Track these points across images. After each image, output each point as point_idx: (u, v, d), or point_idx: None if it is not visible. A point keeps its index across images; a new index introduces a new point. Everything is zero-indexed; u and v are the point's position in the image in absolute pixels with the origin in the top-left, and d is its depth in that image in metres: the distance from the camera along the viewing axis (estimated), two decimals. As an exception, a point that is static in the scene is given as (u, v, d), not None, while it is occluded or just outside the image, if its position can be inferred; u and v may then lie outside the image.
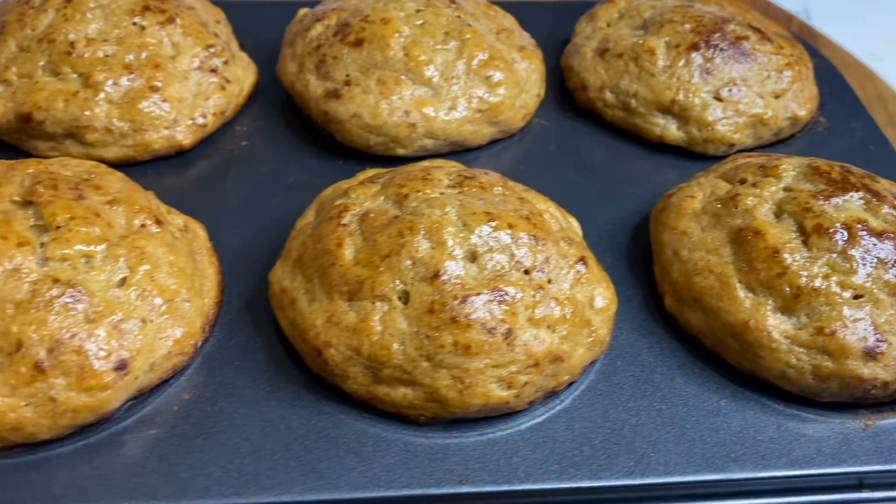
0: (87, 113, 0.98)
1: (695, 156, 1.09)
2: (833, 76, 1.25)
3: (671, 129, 1.07)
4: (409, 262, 0.78)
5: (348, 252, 0.80)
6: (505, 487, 0.75)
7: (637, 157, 1.10)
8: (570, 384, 0.83)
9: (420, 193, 0.83)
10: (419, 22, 1.07)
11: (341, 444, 0.77)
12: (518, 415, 0.81)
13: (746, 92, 1.07)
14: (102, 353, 0.74)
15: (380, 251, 0.79)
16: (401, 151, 1.04)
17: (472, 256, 0.79)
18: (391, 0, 1.10)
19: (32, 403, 0.73)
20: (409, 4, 1.09)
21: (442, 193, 0.84)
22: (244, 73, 1.11)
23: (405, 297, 0.78)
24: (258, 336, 0.85)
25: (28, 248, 0.76)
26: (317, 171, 1.04)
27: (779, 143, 1.12)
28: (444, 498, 0.75)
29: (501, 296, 0.77)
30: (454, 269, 0.78)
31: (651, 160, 1.09)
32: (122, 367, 0.75)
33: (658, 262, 0.91)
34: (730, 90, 1.07)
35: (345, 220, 0.83)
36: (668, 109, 1.07)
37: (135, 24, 1.04)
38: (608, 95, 1.10)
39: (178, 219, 0.90)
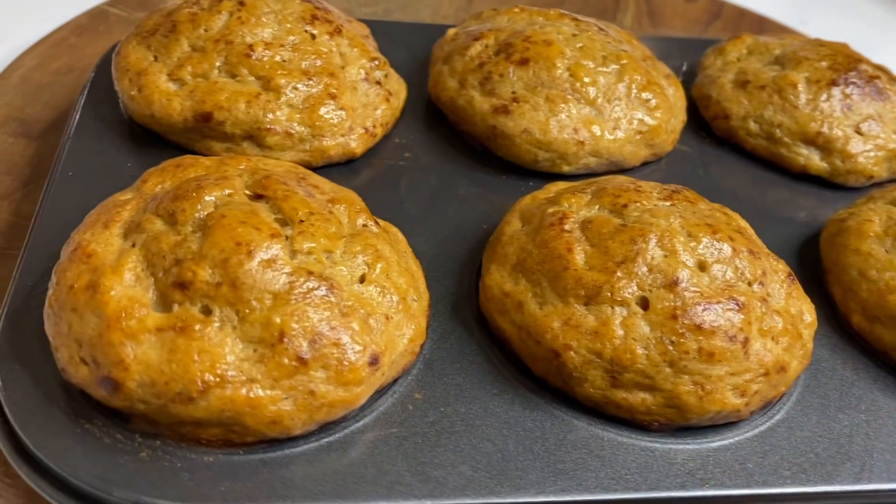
0: (270, 116, 0.97)
1: (831, 186, 1.14)
2: None
3: (814, 160, 1.12)
4: (644, 268, 0.80)
5: (579, 257, 0.81)
6: (746, 491, 0.77)
7: (777, 185, 1.14)
8: (783, 395, 0.85)
9: (638, 204, 0.85)
10: (579, 45, 1.10)
11: (581, 447, 0.78)
12: (738, 424, 0.82)
13: (883, 128, 1.13)
14: (358, 348, 0.74)
15: (613, 257, 0.80)
16: (566, 168, 1.06)
17: (702, 266, 0.81)
18: (546, 24, 1.13)
19: (292, 396, 0.71)
20: (566, 28, 1.12)
21: (656, 205, 0.86)
22: (398, 87, 1.12)
23: (644, 303, 0.79)
24: (471, 338, 0.86)
25: (279, 240, 0.75)
26: (483, 183, 1.05)
27: (905, 178, 1.18)
28: (689, 501, 0.76)
29: (737, 305, 0.79)
30: (689, 277, 0.80)
31: (790, 188, 1.14)
32: (374, 361, 0.74)
33: (838, 282, 0.95)
34: (868, 125, 1.12)
35: (567, 227, 0.84)
36: (812, 141, 1.11)
37: (307, 31, 1.04)
38: (751, 125, 1.14)
39: (379, 221, 0.90)
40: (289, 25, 1.04)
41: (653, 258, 0.80)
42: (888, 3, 2.01)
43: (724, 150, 1.18)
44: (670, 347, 0.77)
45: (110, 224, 0.78)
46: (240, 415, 0.70)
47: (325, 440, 0.75)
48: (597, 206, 0.86)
